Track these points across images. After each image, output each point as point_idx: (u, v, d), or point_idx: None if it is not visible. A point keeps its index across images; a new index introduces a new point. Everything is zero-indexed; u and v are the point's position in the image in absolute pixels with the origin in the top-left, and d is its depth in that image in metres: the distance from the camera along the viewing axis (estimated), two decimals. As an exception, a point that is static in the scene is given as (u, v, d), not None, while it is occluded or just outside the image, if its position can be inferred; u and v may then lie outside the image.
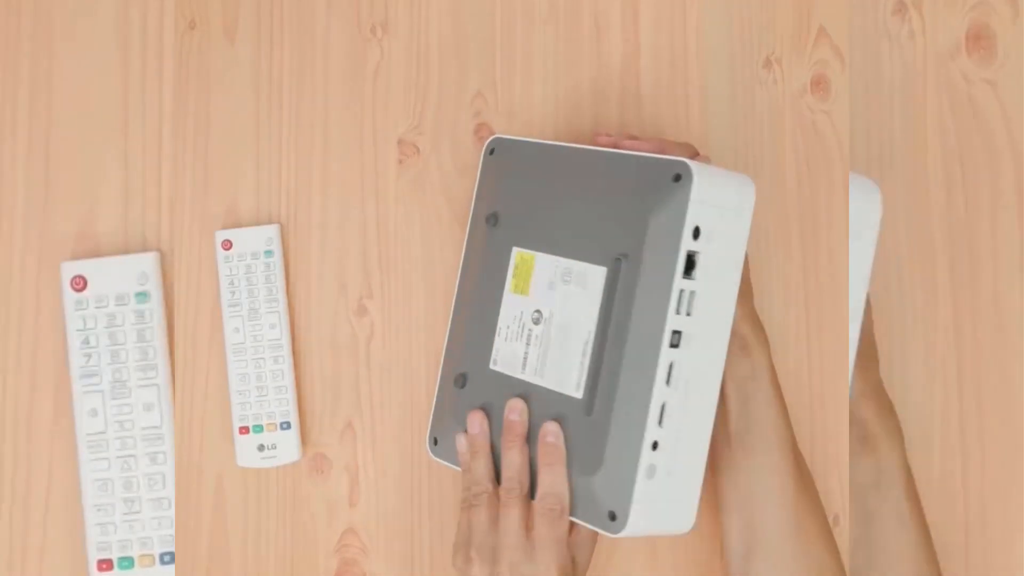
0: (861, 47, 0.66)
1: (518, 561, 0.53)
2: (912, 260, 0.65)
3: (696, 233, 0.52)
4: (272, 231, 0.65)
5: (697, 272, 0.52)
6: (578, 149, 0.57)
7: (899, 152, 0.66)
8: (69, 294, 0.64)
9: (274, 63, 0.67)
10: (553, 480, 0.53)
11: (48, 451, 0.65)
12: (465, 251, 0.63)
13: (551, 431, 0.54)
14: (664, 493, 0.53)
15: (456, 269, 0.65)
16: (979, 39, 0.66)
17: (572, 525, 0.55)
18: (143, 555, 0.63)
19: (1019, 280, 0.65)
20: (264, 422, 0.64)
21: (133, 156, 0.67)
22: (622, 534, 0.52)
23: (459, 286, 0.63)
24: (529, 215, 0.58)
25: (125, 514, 0.63)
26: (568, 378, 0.55)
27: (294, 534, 0.65)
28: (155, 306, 0.64)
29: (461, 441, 0.58)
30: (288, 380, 0.65)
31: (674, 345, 0.52)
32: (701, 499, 0.64)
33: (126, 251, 0.66)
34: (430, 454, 0.62)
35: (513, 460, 0.55)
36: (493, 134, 0.66)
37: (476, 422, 0.57)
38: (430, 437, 0.62)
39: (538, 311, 0.57)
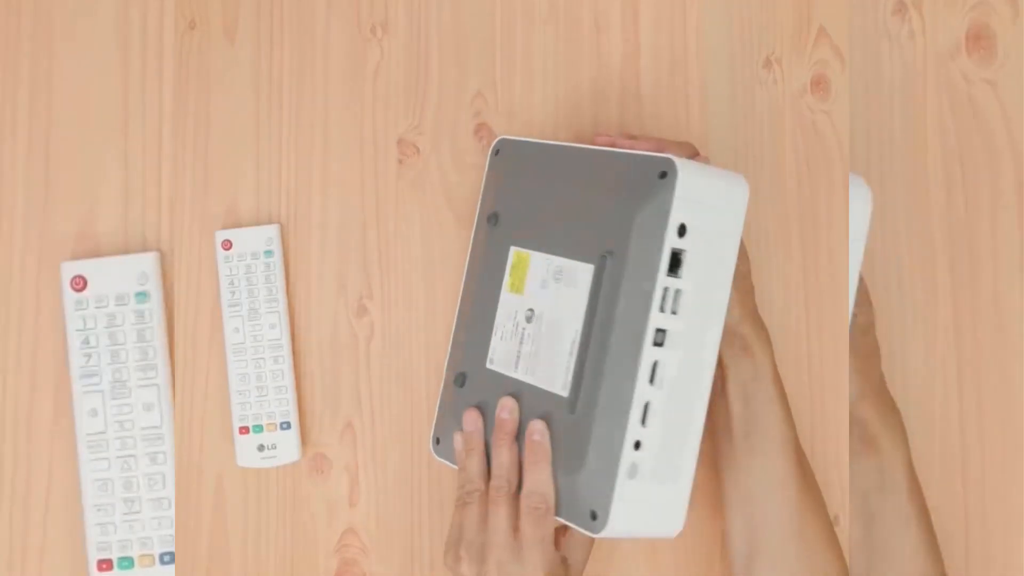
0: (861, 47, 0.66)
1: (505, 560, 0.53)
2: (912, 260, 0.65)
3: (682, 231, 0.51)
4: (272, 231, 0.65)
5: (683, 270, 0.51)
6: (574, 148, 0.57)
7: (899, 152, 0.66)
8: (69, 294, 0.64)
9: (274, 63, 0.67)
10: (538, 478, 0.53)
11: (48, 451, 0.65)
12: (470, 251, 0.63)
13: (537, 429, 0.54)
14: (649, 494, 0.52)
15: (456, 269, 0.65)
16: (979, 39, 0.66)
17: (567, 527, 0.55)
18: (143, 555, 0.63)
19: (1019, 280, 0.65)
20: (264, 422, 0.64)
21: (133, 156, 0.67)
22: (603, 534, 0.51)
23: (463, 286, 0.63)
24: (527, 214, 0.59)
25: (125, 514, 0.63)
26: (556, 376, 0.55)
27: (294, 534, 0.65)
28: (155, 306, 0.64)
29: (457, 439, 0.58)
30: (288, 380, 0.65)
31: (658, 344, 0.51)
32: (701, 500, 0.64)
33: (126, 251, 0.66)
34: (433, 454, 0.62)
35: (502, 458, 0.55)
36: (493, 134, 0.66)
37: (471, 420, 0.57)
38: (433, 437, 0.62)
39: (531, 309, 0.57)
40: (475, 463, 0.56)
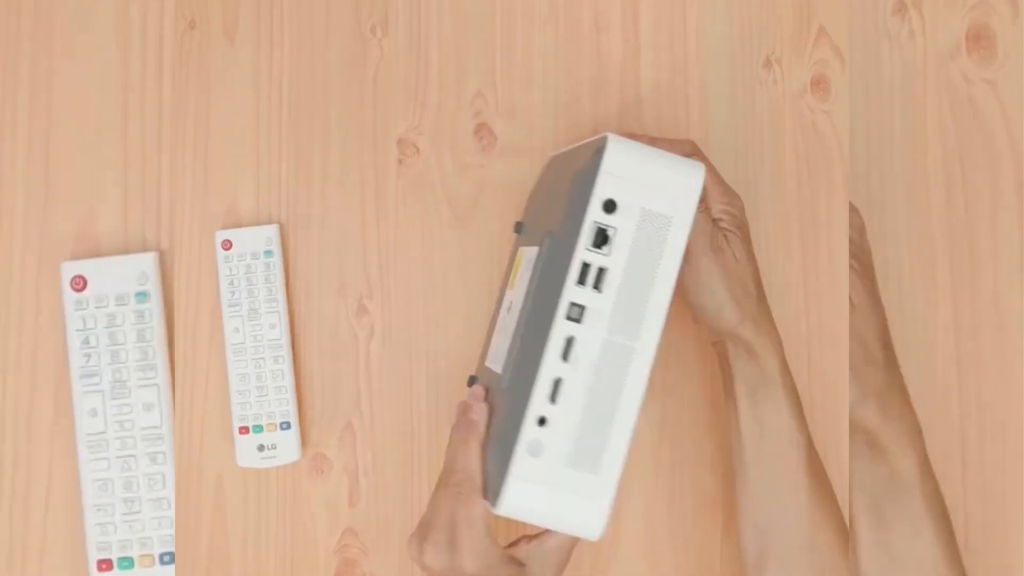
0: (861, 47, 0.66)
1: (440, 541, 0.52)
2: (912, 260, 0.65)
3: (610, 207, 0.50)
4: (272, 231, 0.65)
5: (611, 248, 0.50)
6: (573, 148, 0.58)
7: (899, 152, 0.66)
8: (69, 294, 0.64)
9: (274, 63, 0.67)
10: (463, 456, 0.53)
11: (48, 451, 0.65)
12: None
13: (474, 409, 0.54)
14: (560, 480, 0.50)
15: (456, 268, 0.65)
16: (979, 39, 0.66)
17: (545, 534, 0.54)
18: (143, 555, 0.63)
19: (1019, 280, 0.65)
20: (264, 422, 0.64)
21: (133, 156, 0.67)
22: (498, 510, 0.50)
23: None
24: (536, 216, 0.59)
25: (125, 514, 0.63)
26: (501, 358, 0.55)
27: (294, 534, 0.65)
28: (155, 306, 0.64)
29: None
30: (288, 380, 0.65)
31: (574, 319, 0.50)
32: (702, 500, 0.64)
33: (126, 251, 0.66)
34: None
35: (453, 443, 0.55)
36: (493, 134, 0.66)
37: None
38: None
39: (511, 302, 0.58)
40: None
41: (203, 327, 0.66)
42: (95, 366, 0.64)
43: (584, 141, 0.57)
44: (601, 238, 0.50)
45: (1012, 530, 0.63)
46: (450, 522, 0.52)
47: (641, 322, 0.50)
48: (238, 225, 0.66)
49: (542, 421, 0.50)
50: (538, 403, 0.50)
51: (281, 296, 0.65)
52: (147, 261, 0.65)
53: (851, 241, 0.56)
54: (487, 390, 0.57)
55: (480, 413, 0.54)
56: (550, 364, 0.50)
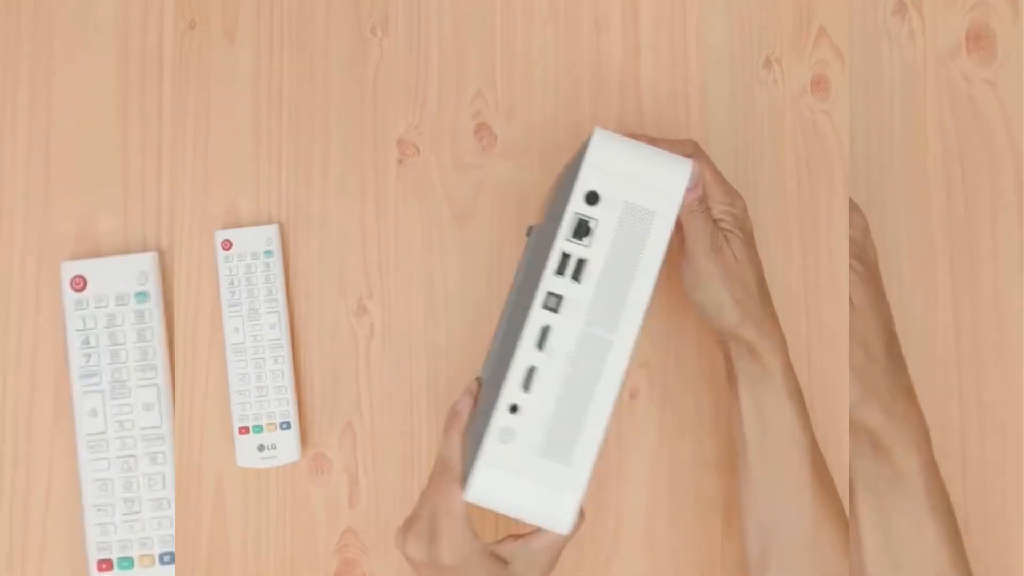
0: (861, 47, 0.66)
1: (422, 530, 0.53)
2: (912, 260, 0.65)
3: (593, 198, 0.50)
4: (272, 231, 0.65)
5: (592, 240, 0.50)
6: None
7: (899, 152, 0.66)
8: (69, 294, 0.64)
9: (274, 63, 0.67)
10: (446, 446, 0.54)
11: (48, 451, 0.65)
12: None
13: (460, 401, 0.56)
14: (531, 468, 0.49)
15: (456, 268, 0.65)
16: (979, 39, 0.66)
17: (532, 534, 0.54)
18: (143, 555, 0.63)
19: (1019, 280, 0.65)
20: (264, 422, 0.64)
21: (133, 156, 0.67)
22: (467, 496, 0.50)
23: None
24: (545, 220, 0.60)
25: (125, 514, 0.63)
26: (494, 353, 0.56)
27: (294, 534, 0.65)
28: (155, 306, 0.64)
29: None
30: (288, 380, 0.65)
31: (551, 308, 0.50)
32: (703, 501, 0.64)
33: (126, 251, 0.66)
34: None
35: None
36: (493, 134, 0.66)
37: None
38: None
39: (506, 303, 0.58)
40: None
41: (203, 327, 0.66)
42: (95, 366, 0.64)
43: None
44: (583, 229, 0.50)
45: (1012, 530, 0.63)
46: (430, 513, 0.53)
47: (620, 315, 0.50)
48: (238, 225, 0.66)
49: (514, 409, 0.50)
50: (511, 390, 0.50)
51: (281, 296, 0.65)
52: (147, 261, 0.65)
53: (853, 242, 0.56)
54: (480, 385, 0.57)
55: (464, 405, 0.55)
56: (525, 352, 0.50)
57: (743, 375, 0.57)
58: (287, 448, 0.64)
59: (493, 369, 0.53)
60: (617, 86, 0.66)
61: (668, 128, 0.66)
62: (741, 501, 0.58)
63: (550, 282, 0.50)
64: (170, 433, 0.64)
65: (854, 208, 0.57)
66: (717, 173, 0.57)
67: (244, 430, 0.64)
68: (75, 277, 0.64)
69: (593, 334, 0.50)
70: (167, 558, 0.63)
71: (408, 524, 0.54)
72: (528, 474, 0.50)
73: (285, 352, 0.65)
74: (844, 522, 0.56)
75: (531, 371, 0.50)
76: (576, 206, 0.50)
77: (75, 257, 0.66)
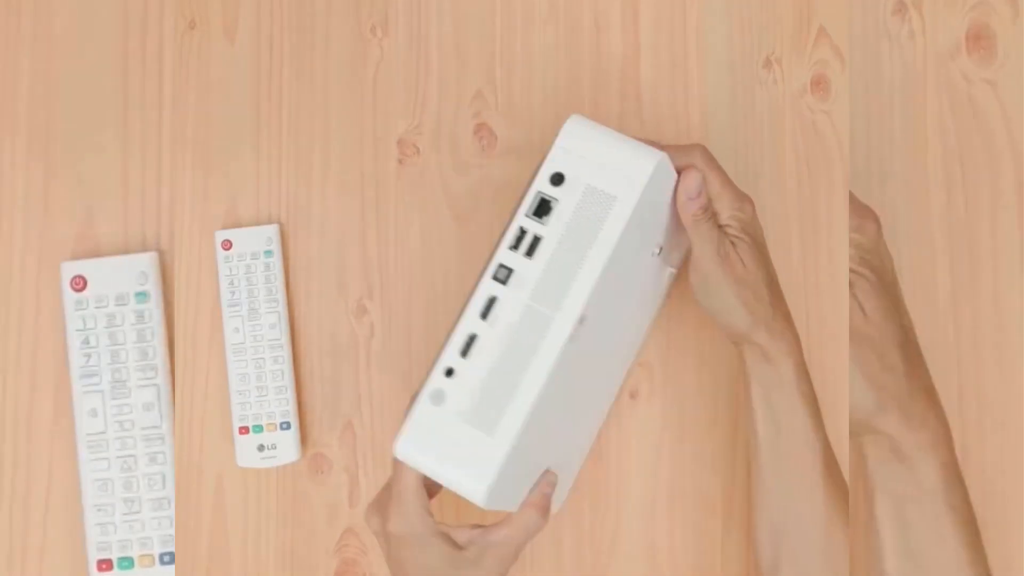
0: (861, 47, 0.66)
1: (382, 502, 0.54)
2: (912, 260, 0.65)
3: (557, 179, 0.51)
4: (272, 231, 0.65)
5: (550, 218, 0.51)
6: None
7: (899, 152, 0.66)
8: (69, 294, 0.64)
9: (274, 63, 0.67)
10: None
11: (48, 451, 0.65)
12: None
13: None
14: (456, 433, 0.50)
15: (456, 268, 0.65)
16: (979, 39, 0.66)
17: (493, 526, 0.54)
18: (143, 555, 0.63)
19: (1019, 280, 0.65)
20: (264, 422, 0.64)
21: (133, 156, 0.67)
22: (395, 452, 0.50)
23: None
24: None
25: (125, 514, 0.63)
26: None
27: (294, 534, 0.65)
28: (155, 306, 0.65)
29: None
30: (288, 380, 0.65)
31: (499, 280, 0.51)
32: (703, 503, 0.64)
33: (126, 251, 0.66)
34: None
35: None
36: (493, 134, 0.66)
37: None
38: None
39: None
40: None
41: (203, 327, 0.66)
42: (95, 366, 0.64)
43: None
44: (544, 208, 0.51)
45: (1012, 530, 0.63)
46: (389, 484, 0.54)
47: (565, 294, 0.50)
48: (238, 225, 0.66)
49: (450, 372, 0.50)
50: (449, 354, 0.50)
51: (281, 296, 0.65)
52: (147, 261, 0.65)
53: (863, 248, 0.55)
54: None
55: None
56: (468, 319, 0.51)
57: (756, 378, 0.56)
58: (287, 448, 0.64)
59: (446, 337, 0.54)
60: (617, 86, 0.67)
61: (668, 128, 0.66)
62: (754, 502, 0.58)
63: (503, 255, 0.51)
64: (170, 433, 0.64)
65: (866, 214, 0.56)
66: (725, 178, 0.57)
67: (244, 430, 0.64)
68: (75, 277, 0.64)
69: (535, 310, 0.50)
70: (167, 558, 0.63)
71: (375, 497, 0.55)
72: (452, 439, 0.50)
73: (285, 352, 0.65)
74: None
75: (472, 338, 0.50)
76: (540, 185, 0.51)
77: (75, 257, 0.66)
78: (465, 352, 0.50)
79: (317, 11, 0.67)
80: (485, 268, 0.52)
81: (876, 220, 0.56)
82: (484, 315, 0.51)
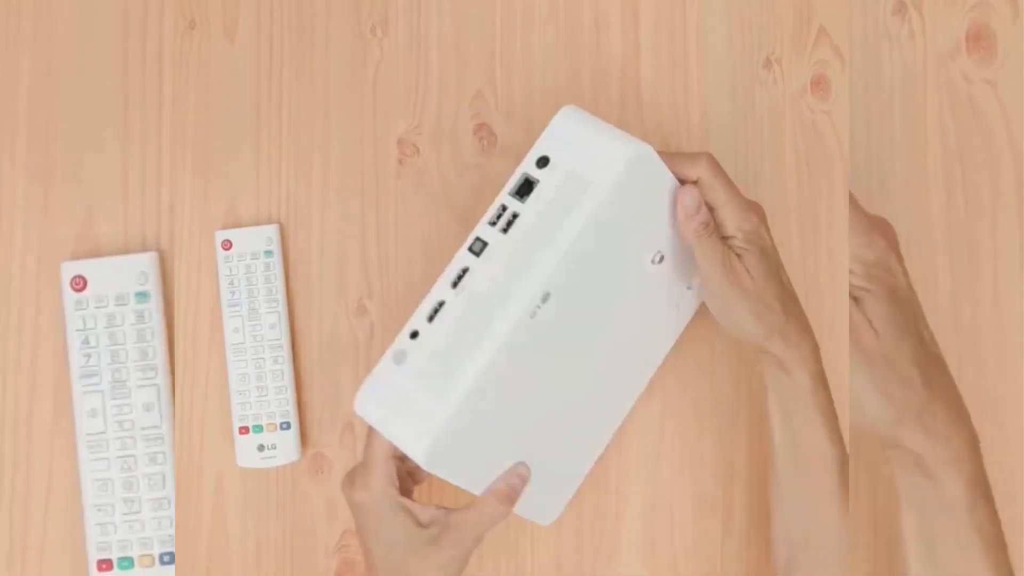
0: (861, 47, 0.66)
1: (355, 473, 0.55)
2: (912, 260, 0.65)
3: (542, 162, 0.53)
4: (272, 231, 0.65)
5: (529, 198, 0.53)
6: None
7: (899, 152, 0.66)
8: (69, 294, 0.64)
9: (274, 63, 0.67)
10: None
11: (48, 451, 0.65)
12: None
13: None
14: (408, 392, 0.51)
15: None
16: (979, 39, 0.66)
17: (457, 510, 0.54)
18: (143, 555, 0.63)
19: (1019, 280, 0.65)
20: (264, 422, 0.64)
21: (133, 156, 0.67)
22: (355, 407, 0.53)
23: None
24: None
25: (125, 514, 0.63)
26: None
27: (294, 534, 0.65)
28: (155, 306, 0.64)
29: None
30: (288, 380, 0.65)
31: (474, 252, 0.53)
32: (703, 504, 0.63)
33: (126, 251, 0.66)
34: None
35: None
36: (493, 134, 0.66)
37: None
38: None
39: None
40: None
41: (203, 327, 0.66)
42: (95, 366, 0.64)
43: None
44: (526, 188, 0.53)
45: (1012, 530, 0.63)
46: (362, 456, 0.55)
47: (528, 271, 0.52)
48: (238, 225, 0.66)
49: (415, 335, 0.52)
50: (417, 318, 0.53)
51: (281, 296, 0.65)
52: (147, 261, 0.65)
53: (868, 263, 0.54)
54: None
55: None
56: (440, 287, 0.53)
57: (773, 387, 0.56)
58: (287, 448, 0.64)
59: None
60: (617, 86, 0.66)
61: (668, 128, 0.66)
62: (771, 510, 0.58)
63: (482, 229, 0.53)
64: (170, 433, 0.64)
65: (875, 228, 0.55)
66: (731, 188, 0.56)
67: (244, 430, 0.64)
68: (75, 277, 0.64)
69: (500, 283, 0.52)
70: (167, 558, 0.63)
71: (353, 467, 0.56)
72: (405, 397, 0.51)
73: (285, 352, 0.65)
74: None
75: (440, 304, 0.52)
76: (526, 167, 0.53)
77: (75, 257, 0.66)
78: (431, 317, 0.52)
79: (317, 11, 0.67)
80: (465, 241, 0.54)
81: (886, 234, 0.55)
82: (455, 284, 0.52)
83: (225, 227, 0.66)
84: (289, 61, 0.67)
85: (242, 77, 0.67)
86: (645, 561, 0.65)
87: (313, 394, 0.66)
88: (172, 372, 0.65)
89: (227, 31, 0.67)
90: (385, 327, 0.66)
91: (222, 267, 0.65)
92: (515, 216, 0.52)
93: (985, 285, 0.65)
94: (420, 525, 0.54)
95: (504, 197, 0.53)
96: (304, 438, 0.65)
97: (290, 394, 0.64)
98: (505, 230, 0.52)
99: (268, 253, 0.65)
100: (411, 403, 0.51)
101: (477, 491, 0.55)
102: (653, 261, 0.57)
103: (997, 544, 0.54)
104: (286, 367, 0.65)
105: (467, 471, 0.54)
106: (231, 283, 0.65)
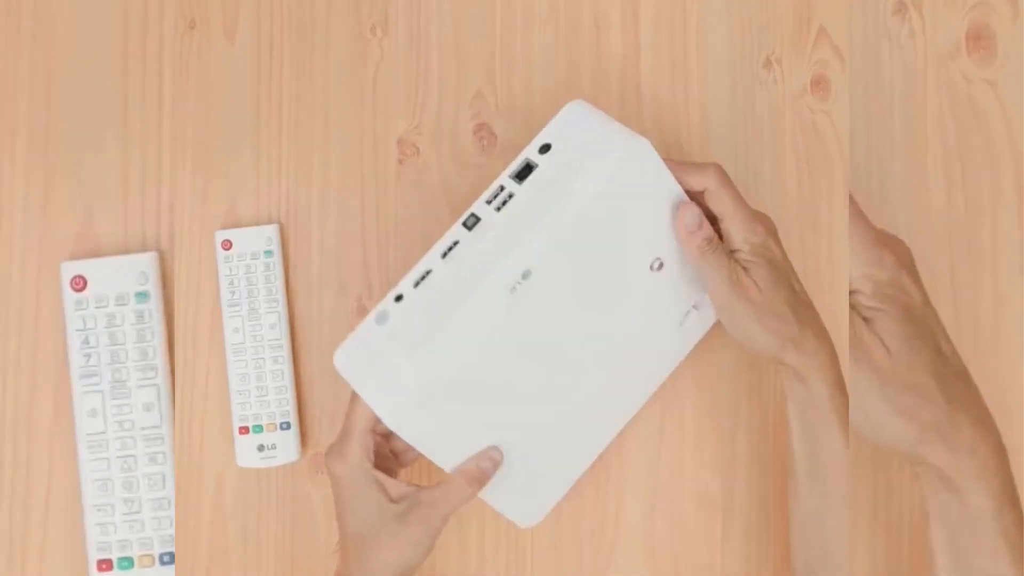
0: (861, 47, 0.66)
1: (334, 443, 0.56)
2: (912, 260, 0.65)
3: (544, 149, 0.55)
4: (272, 231, 0.65)
5: (527, 182, 0.54)
6: None
7: (899, 152, 0.66)
8: (69, 294, 0.64)
9: (274, 63, 0.67)
10: None
11: (48, 451, 0.65)
12: None
13: None
14: (384, 350, 0.53)
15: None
16: (979, 39, 0.66)
17: (427, 488, 0.55)
18: (143, 555, 0.63)
19: (1019, 280, 0.65)
20: (264, 422, 0.64)
21: (133, 156, 0.67)
22: (335, 362, 0.54)
23: None
24: None
25: (125, 514, 0.63)
26: None
27: (294, 534, 0.65)
28: (155, 306, 0.65)
29: None
30: (288, 380, 0.65)
31: (467, 226, 0.54)
32: (703, 506, 0.63)
33: (126, 251, 0.66)
34: None
35: None
36: (493, 134, 0.66)
37: None
38: None
39: None
40: None
41: (203, 327, 0.66)
42: (95, 366, 0.64)
43: None
44: (525, 172, 0.54)
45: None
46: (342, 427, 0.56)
47: (511, 250, 0.53)
48: (238, 225, 0.66)
49: (399, 298, 0.54)
50: (404, 284, 0.54)
51: (281, 296, 0.65)
52: (147, 261, 0.65)
53: (880, 282, 0.53)
54: None
55: None
56: (430, 256, 0.55)
57: (791, 397, 0.56)
58: (287, 448, 0.64)
59: None
60: (617, 86, 0.66)
61: (668, 128, 0.66)
62: (790, 519, 0.58)
63: (477, 206, 0.55)
64: (170, 433, 0.64)
65: (882, 244, 0.54)
66: (738, 200, 0.56)
67: (244, 430, 0.64)
68: (75, 277, 0.64)
69: (484, 258, 0.53)
70: (167, 558, 0.63)
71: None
72: (380, 356, 0.53)
73: (285, 352, 0.65)
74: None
75: (427, 273, 0.54)
76: (528, 152, 0.55)
77: (75, 257, 0.66)
78: (417, 284, 0.54)
79: (317, 11, 0.67)
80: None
81: (897, 252, 0.54)
82: (444, 255, 0.54)
83: (225, 227, 0.66)
84: (289, 61, 0.67)
85: (242, 77, 0.67)
86: (645, 561, 0.65)
87: (313, 394, 0.66)
88: (172, 372, 0.65)
89: (227, 31, 0.67)
90: (385, 327, 0.66)
91: (222, 267, 0.65)
92: (510, 196, 0.54)
93: (985, 285, 0.65)
94: (391, 500, 0.55)
95: (503, 178, 0.55)
96: (304, 438, 0.65)
97: (290, 394, 0.64)
98: (499, 208, 0.54)
99: (268, 253, 0.65)
100: (385, 361, 0.53)
101: (448, 467, 0.56)
102: (652, 268, 0.57)
103: None
104: (286, 367, 0.65)
105: (437, 442, 0.55)
106: (231, 283, 0.65)
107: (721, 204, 0.55)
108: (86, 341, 0.64)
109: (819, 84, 0.66)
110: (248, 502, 0.65)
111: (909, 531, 0.64)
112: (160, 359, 0.64)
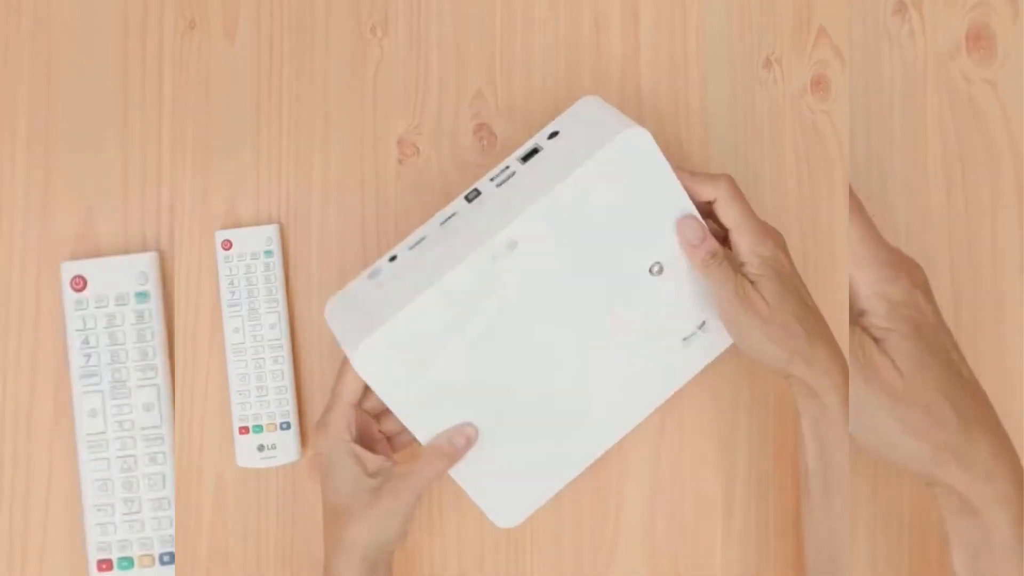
0: (861, 47, 0.66)
1: (323, 413, 0.58)
2: (912, 260, 0.65)
3: (552, 135, 0.57)
4: (272, 231, 0.65)
5: (529, 162, 0.56)
6: None
7: (899, 152, 0.66)
8: (69, 294, 0.64)
9: (274, 63, 0.67)
10: None
11: (48, 451, 0.65)
12: None
13: None
14: (369, 300, 0.55)
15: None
16: (979, 39, 0.66)
17: (403, 463, 0.56)
18: (143, 555, 0.63)
19: (1019, 280, 0.65)
20: (264, 422, 0.64)
21: (133, 156, 0.67)
22: (325, 313, 0.57)
23: None
24: None
25: (125, 514, 0.63)
26: None
27: (294, 534, 0.65)
28: (155, 306, 0.64)
29: None
30: (288, 380, 0.65)
31: (468, 199, 0.57)
32: (704, 506, 0.63)
33: (126, 251, 0.66)
34: None
35: None
36: (493, 134, 0.66)
37: None
38: None
39: None
40: None
41: (203, 327, 0.66)
42: (95, 366, 0.64)
43: None
44: (531, 155, 0.56)
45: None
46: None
47: (503, 226, 0.54)
48: (238, 225, 0.66)
49: (393, 259, 0.56)
50: (400, 246, 0.57)
51: (281, 296, 0.65)
52: (147, 261, 0.65)
53: (893, 301, 0.53)
54: None
55: None
56: (430, 224, 0.57)
57: (803, 410, 0.56)
58: (287, 448, 0.64)
59: None
60: (617, 86, 0.66)
61: (668, 128, 0.66)
62: (803, 528, 0.57)
63: (482, 182, 0.57)
64: (170, 433, 0.64)
65: (895, 263, 0.53)
66: (747, 212, 0.56)
67: (244, 430, 0.64)
68: (75, 277, 0.64)
69: (476, 229, 0.54)
70: (167, 558, 0.63)
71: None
72: (363, 304, 0.55)
73: (285, 352, 0.65)
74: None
75: (424, 238, 0.56)
76: (538, 138, 0.57)
77: (75, 257, 0.66)
78: (413, 247, 0.56)
79: (317, 11, 0.67)
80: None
81: (911, 273, 0.54)
82: (443, 223, 0.56)
83: (225, 227, 0.66)
84: (289, 61, 0.67)
85: (242, 77, 0.67)
86: (645, 561, 0.65)
87: (313, 394, 0.66)
88: (172, 372, 0.65)
89: (227, 31, 0.67)
90: (385, 327, 0.66)
91: (222, 267, 0.65)
92: (513, 174, 0.56)
93: (985, 285, 0.65)
94: (367, 474, 0.56)
95: (510, 159, 0.57)
96: (304, 438, 0.65)
97: (290, 394, 0.64)
98: (500, 185, 0.56)
99: (268, 253, 0.65)
100: (367, 310, 0.55)
101: (421, 437, 0.57)
102: (652, 271, 0.57)
103: None
104: (286, 367, 0.65)
105: (411, 407, 0.56)
106: (231, 283, 0.65)
107: (730, 215, 0.55)
108: (86, 341, 0.64)
109: (819, 84, 0.66)
110: (248, 502, 0.65)
111: (922, 547, 0.64)
112: (160, 359, 0.64)
